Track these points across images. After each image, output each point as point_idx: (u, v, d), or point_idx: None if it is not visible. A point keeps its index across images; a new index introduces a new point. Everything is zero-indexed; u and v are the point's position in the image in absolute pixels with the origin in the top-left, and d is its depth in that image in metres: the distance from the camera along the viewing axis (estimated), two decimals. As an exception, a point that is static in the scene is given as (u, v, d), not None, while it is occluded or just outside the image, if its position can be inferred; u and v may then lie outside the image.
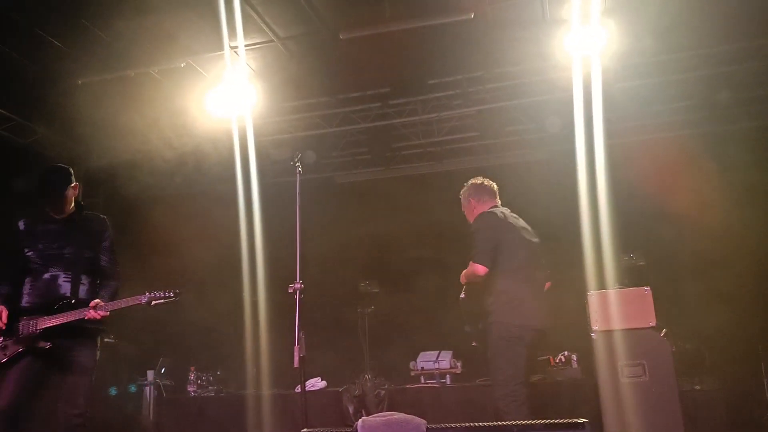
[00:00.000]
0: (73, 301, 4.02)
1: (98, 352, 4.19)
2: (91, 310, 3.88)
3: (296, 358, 3.52)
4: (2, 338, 3.95)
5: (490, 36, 6.81)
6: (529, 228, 4.75)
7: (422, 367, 7.07)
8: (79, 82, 7.21)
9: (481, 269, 4.33)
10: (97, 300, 3.99)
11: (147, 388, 7.28)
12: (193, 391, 7.11)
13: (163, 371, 7.37)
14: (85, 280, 4.15)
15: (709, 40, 6.99)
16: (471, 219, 4.72)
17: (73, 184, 4.24)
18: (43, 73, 7.03)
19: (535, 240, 4.71)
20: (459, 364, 7.02)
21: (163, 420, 6.99)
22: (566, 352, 6.31)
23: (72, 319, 3.93)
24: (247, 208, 7.65)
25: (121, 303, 3.98)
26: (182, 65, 7.08)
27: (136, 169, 8.50)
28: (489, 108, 7.88)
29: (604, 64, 6.68)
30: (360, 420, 2.71)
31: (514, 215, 4.75)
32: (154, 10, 6.12)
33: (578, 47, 6.47)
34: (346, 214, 8.41)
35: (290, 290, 3.94)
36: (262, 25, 6.53)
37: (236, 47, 6.63)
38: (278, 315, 7.02)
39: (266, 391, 6.65)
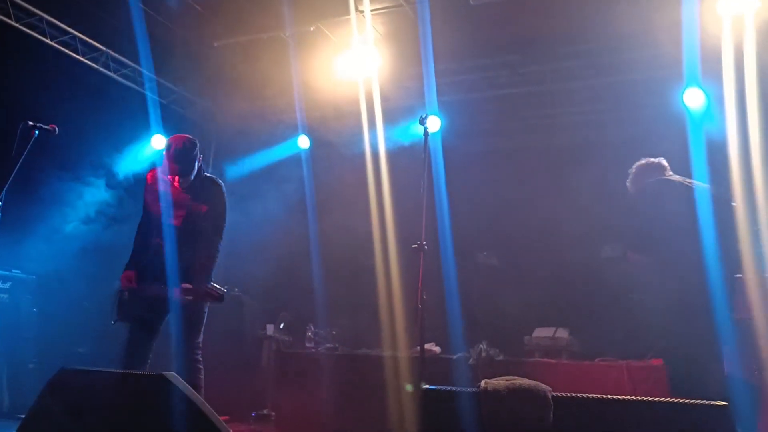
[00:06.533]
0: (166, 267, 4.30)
1: (205, 308, 4.48)
2: (177, 291, 4.23)
3: (419, 316, 3.55)
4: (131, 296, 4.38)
5: (628, 3, 6.46)
6: None
7: (537, 343, 6.91)
8: (215, 44, 7.50)
9: None
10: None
11: (266, 342, 7.55)
12: (311, 348, 7.30)
13: (282, 326, 7.61)
14: (188, 246, 4.37)
15: None
16: None
17: (200, 156, 4.48)
18: (183, 35, 7.36)
19: None
20: (577, 342, 6.82)
21: (278, 372, 7.21)
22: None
23: (160, 293, 4.29)
24: (375, 170, 7.77)
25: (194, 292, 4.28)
26: (312, 29, 7.20)
27: (265, 131, 8.78)
28: (623, 79, 7.48)
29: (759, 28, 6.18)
30: (483, 381, 2.68)
31: None
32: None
33: (730, 10, 6.02)
34: (468, 184, 8.28)
35: (415, 245, 3.94)
36: (391, -12, 6.53)
37: (363, 11, 6.67)
38: (400, 278, 7.08)
39: (381, 352, 6.71)
